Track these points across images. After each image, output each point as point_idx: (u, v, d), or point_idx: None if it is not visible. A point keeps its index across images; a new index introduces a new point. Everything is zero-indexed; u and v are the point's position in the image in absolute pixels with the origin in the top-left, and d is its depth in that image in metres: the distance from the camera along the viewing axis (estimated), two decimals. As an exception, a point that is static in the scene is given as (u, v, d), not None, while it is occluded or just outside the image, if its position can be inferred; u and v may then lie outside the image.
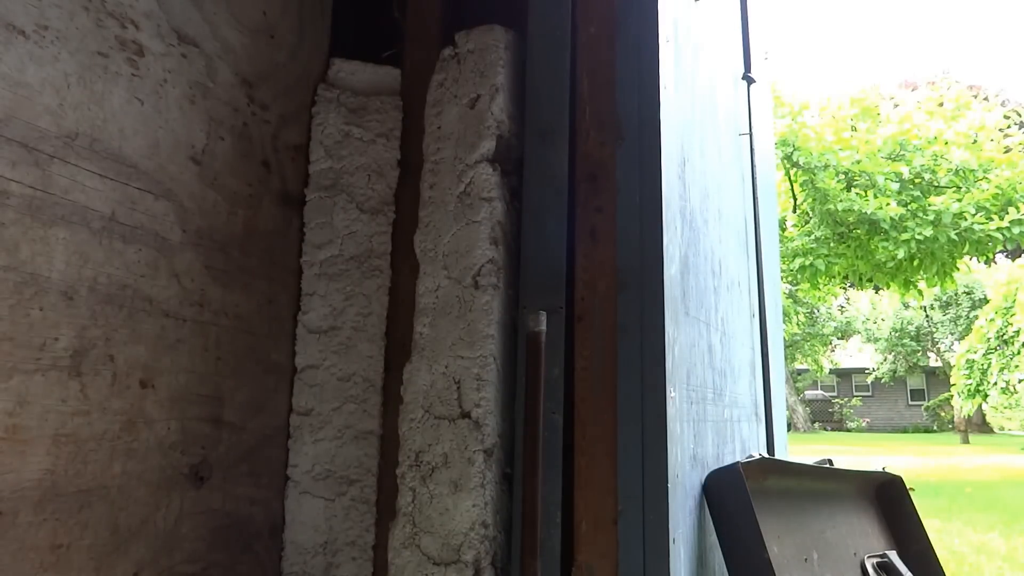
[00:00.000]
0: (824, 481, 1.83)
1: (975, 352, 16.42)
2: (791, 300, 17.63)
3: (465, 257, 1.35)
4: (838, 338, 29.57)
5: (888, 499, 2.01)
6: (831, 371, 30.35)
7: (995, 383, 15.75)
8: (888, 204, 9.96)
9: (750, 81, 2.26)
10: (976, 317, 19.10)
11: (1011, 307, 15.29)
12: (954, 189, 10.34)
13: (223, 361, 1.33)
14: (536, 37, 1.42)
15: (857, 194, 10.24)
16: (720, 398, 1.64)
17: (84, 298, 1.09)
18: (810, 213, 10.87)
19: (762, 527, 1.31)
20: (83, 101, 1.11)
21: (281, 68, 1.50)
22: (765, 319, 2.10)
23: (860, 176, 10.33)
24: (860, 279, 11.06)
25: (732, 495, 1.37)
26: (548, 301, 1.30)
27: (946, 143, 10.60)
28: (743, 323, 1.96)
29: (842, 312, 28.91)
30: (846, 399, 31.37)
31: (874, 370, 30.18)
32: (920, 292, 10.82)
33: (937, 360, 28.75)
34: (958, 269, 10.20)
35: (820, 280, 11.06)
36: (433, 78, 1.49)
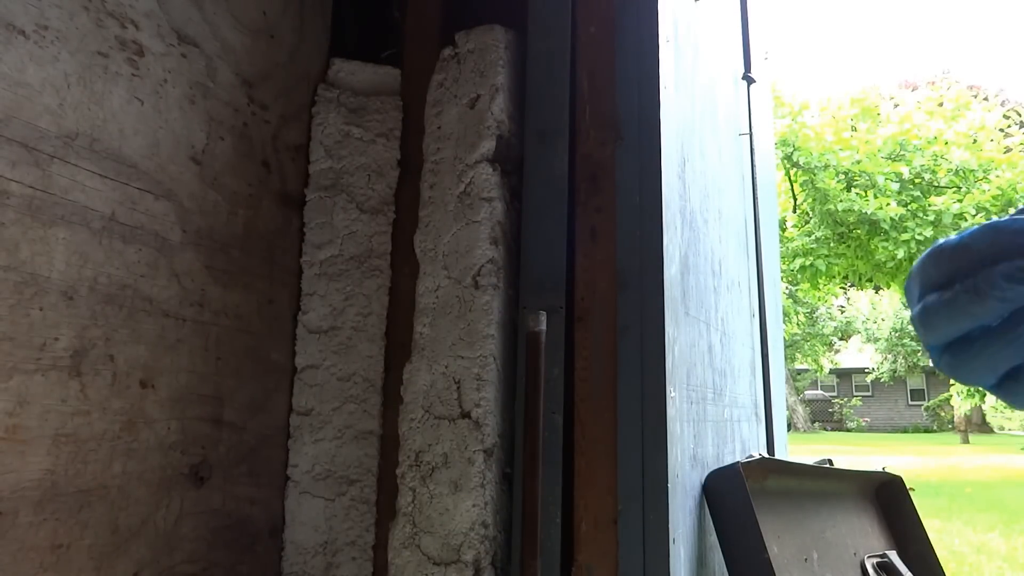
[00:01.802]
0: (824, 481, 1.83)
1: (975, 352, 16.37)
2: (791, 300, 17.63)
3: (465, 257, 1.35)
4: (838, 338, 29.57)
5: (888, 499, 2.01)
6: (831, 371, 30.36)
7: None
8: (888, 204, 9.96)
9: (750, 81, 2.26)
10: (976, 317, 19.01)
11: (1011, 307, 15.24)
12: (954, 189, 10.34)
13: (223, 361, 1.33)
14: (536, 37, 1.42)
15: (857, 194, 10.24)
16: (720, 398, 1.64)
17: (84, 298, 1.09)
18: (810, 213, 10.88)
19: (762, 527, 1.31)
20: (83, 101, 1.11)
21: (281, 68, 1.50)
22: (765, 319, 2.10)
23: (860, 176, 10.33)
24: (860, 279, 11.06)
25: (732, 495, 1.37)
26: (548, 301, 1.30)
27: (946, 143, 10.60)
28: (743, 323, 1.96)
29: (842, 312, 28.91)
30: (846, 399, 31.39)
31: (874, 370, 30.19)
32: (920, 292, 10.81)
33: (937, 360, 28.65)
34: (958, 269, 10.20)
35: (820, 280, 11.06)
36: (433, 78, 1.49)
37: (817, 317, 26.78)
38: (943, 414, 28.10)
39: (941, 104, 11.83)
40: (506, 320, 1.34)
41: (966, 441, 21.60)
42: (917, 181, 10.37)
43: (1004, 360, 0.41)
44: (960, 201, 9.89)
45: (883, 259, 10.19)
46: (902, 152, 10.51)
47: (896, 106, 11.95)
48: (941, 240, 0.43)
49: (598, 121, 1.35)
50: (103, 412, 1.11)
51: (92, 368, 1.10)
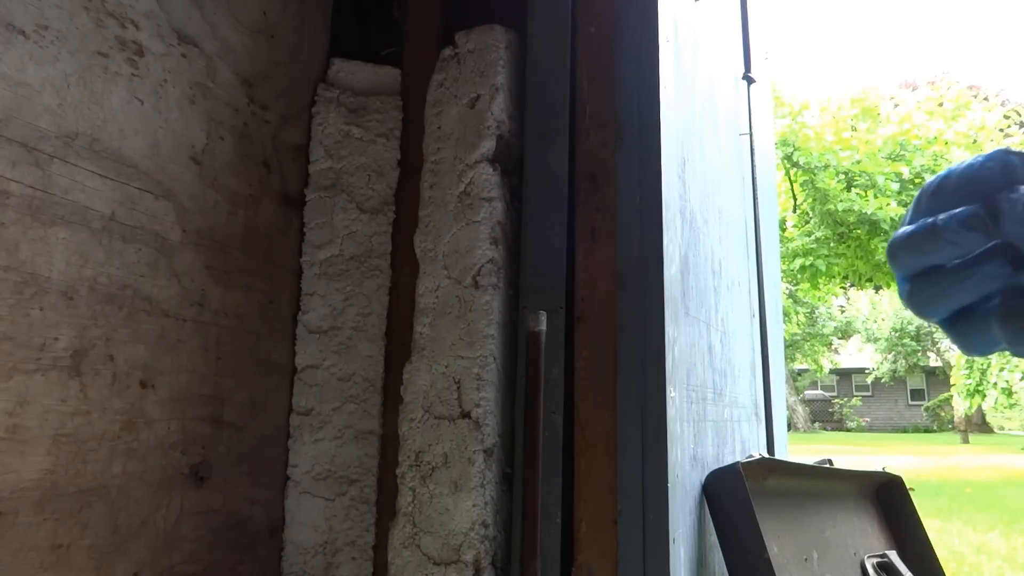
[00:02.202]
0: (824, 481, 1.83)
1: (975, 352, 16.39)
2: (791, 300, 17.63)
3: (465, 257, 1.35)
4: (838, 338, 29.58)
5: (888, 499, 2.01)
6: (831, 371, 30.37)
7: (995, 383, 15.76)
8: (888, 204, 9.97)
9: (750, 81, 2.26)
10: (976, 317, 19.02)
11: (1011, 307, 15.24)
12: (954, 189, 10.32)
13: (223, 361, 1.33)
14: (536, 37, 1.42)
15: (857, 194, 10.25)
16: (720, 398, 1.64)
17: (84, 298, 1.09)
18: (810, 213, 10.88)
19: (762, 527, 1.31)
20: (83, 101, 1.11)
21: (281, 68, 1.50)
22: (765, 319, 2.10)
23: (860, 176, 10.33)
24: (860, 279, 11.07)
25: (732, 495, 1.37)
26: (548, 301, 1.30)
27: (946, 143, 10.61)
28: (743, 323, 1.96)
29: (842, 312, 28.91)
30: (846, 399, 31.41)
31: (874, 370, 30.20)
32: (920, 292, 10.82)
33: (937, 360, 28.76)
34: (958, 269, 10.22)
35: (820, 280, 11.06)
36: (433, 78, 1.49)
37: (817, 317, 26.78)
38: (943, 414, 28.10)
39: (941, 104, 11.83)
40: (506, 320, 1.34)
41: (966, 441, 21.60)
42: (917, 181, 10.37)
43: (954, 297, 0.42)
44: (960, 201, 9.87)
45: (883, 259, 10.20)
46: (902, 152, 10.51)
47: (896, 106, 11.95)
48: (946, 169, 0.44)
49: (598, 121, 1.35)
50: (103, 412, 1.11)
51: (92, 368, 1.10)
